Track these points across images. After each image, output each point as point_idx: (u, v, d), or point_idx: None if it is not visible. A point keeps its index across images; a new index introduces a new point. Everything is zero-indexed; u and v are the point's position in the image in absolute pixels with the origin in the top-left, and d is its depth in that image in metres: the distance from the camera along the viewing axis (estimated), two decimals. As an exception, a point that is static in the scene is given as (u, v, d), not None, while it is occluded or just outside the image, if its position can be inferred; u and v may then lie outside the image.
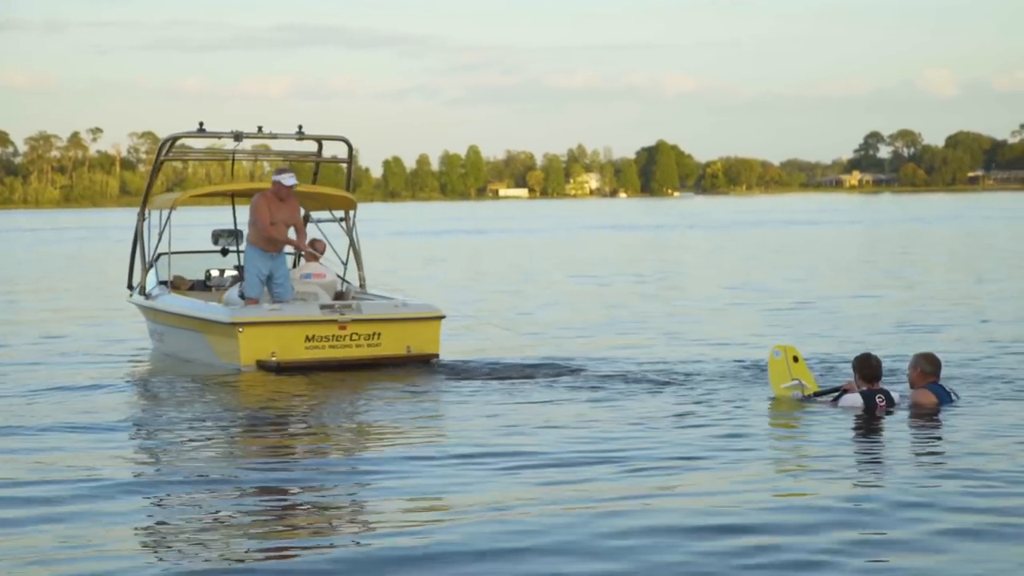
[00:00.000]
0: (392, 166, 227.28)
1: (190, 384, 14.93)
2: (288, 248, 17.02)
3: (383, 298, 17.36)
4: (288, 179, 16.22)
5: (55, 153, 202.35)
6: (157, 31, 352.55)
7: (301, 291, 17.01)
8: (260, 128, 17.40)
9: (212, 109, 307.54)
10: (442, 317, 16.51)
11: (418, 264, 42.56)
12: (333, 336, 15.87)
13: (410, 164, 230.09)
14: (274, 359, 15.61)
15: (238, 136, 17.49)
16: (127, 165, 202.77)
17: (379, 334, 16.04)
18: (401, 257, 47.23)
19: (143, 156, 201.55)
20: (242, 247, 17.83)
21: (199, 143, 18.66)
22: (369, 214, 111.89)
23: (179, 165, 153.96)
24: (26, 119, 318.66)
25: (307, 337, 15.79)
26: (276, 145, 18.73)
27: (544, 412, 12.57)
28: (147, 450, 11.29)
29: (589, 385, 14.19)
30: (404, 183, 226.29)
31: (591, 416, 12.30)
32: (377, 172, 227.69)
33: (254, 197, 16.51)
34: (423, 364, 16.05)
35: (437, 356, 16.25)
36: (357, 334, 15.96)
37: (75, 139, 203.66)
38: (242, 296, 16.50)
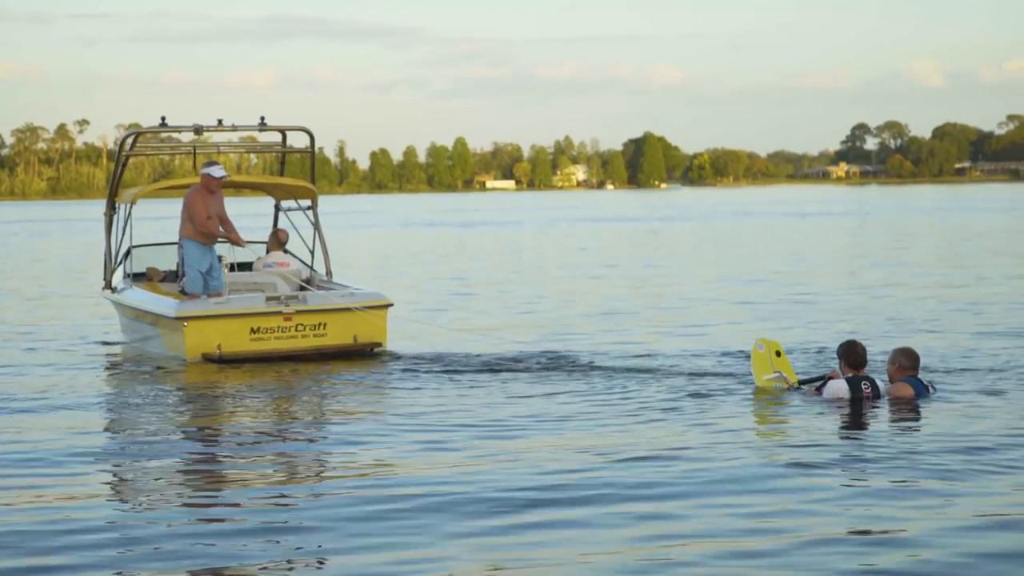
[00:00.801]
0: (379, 158, 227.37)
1: (134, 379, 14.86)
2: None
3: (340, 287, 17.32)
4: (217, 171, 16.33)
5: (42, 145, 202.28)
6: (142, 23, 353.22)
7: (262, 281, 17.09)
8: (220, 121, 17.53)
9: (198, 101, 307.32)
10: (389, 305, 16.49)
11: (403, 257, 42.43)
12: (278, 327, 15.94)
13: (397, 156, 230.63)
14: (219, 352, 15.66)
15: (198, 130, 17.60)
16: (113, 157, 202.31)
17: (325, 324, 16.09)
18: (383, 250, 47.14)
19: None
20: None
21: (183, 137, 18.74)
22: (354, 206, 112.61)
23: (165, 158, 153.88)
24: (12, 111, 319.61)
25: (252, 329, 15.85)
26: (257, 137, 18.69)
27: (512, 405, 12.42)
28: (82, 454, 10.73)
29: (552, 378, 14.01)
30: (391, 175, 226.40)
31: (549, 406, 12.20)
32: (364, 164, 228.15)
33: (187, 192, 16.56)
34: (370, 354, 16.06)
35: (383, 345, 16.28)
36: (303, 325, 16.02)
37: (62, 131, 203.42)
38: (184, 292, 16.51)
